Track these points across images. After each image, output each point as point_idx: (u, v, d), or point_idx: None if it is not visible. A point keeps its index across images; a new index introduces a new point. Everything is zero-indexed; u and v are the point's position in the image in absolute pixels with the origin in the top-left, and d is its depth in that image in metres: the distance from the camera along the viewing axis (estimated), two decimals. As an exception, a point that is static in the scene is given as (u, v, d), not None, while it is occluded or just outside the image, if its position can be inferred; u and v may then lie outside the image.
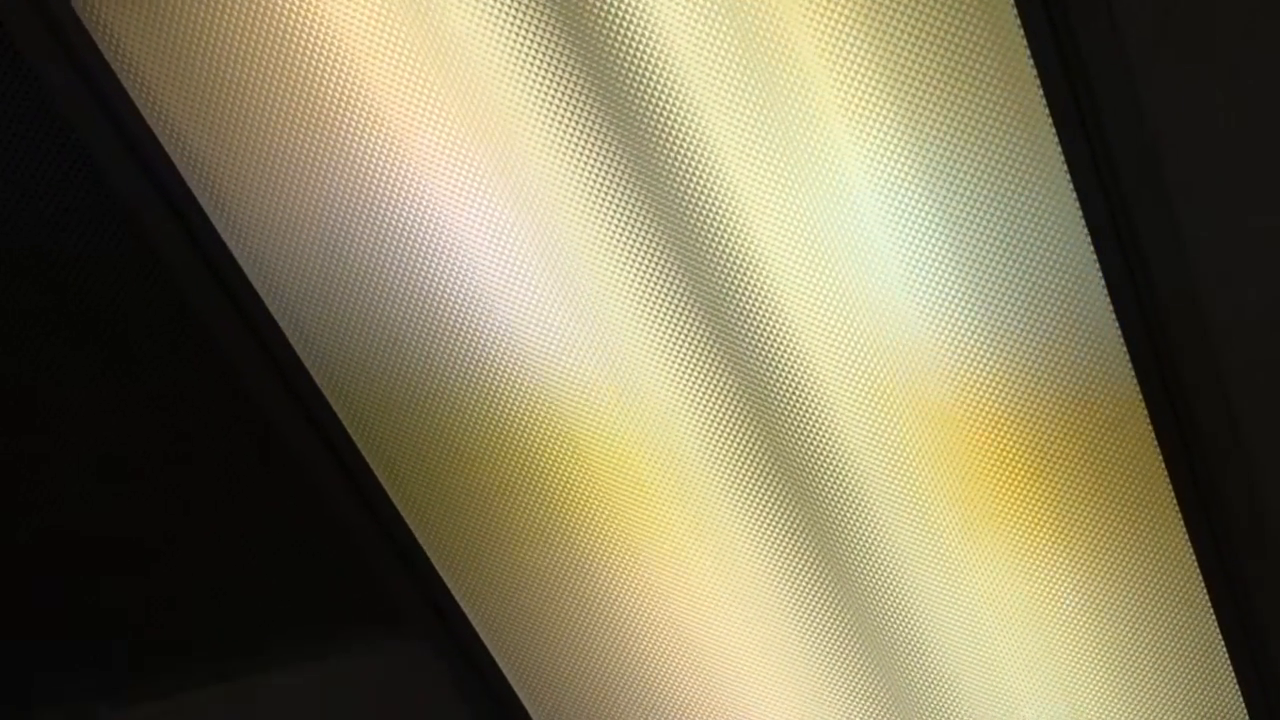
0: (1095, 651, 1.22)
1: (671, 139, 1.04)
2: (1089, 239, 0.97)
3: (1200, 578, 1.14)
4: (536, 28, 1.02)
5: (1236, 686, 1.18)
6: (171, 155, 1.17)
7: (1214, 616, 1.15)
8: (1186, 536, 1.11)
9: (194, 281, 1.19)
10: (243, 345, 1.24)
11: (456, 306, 1.20)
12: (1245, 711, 1.20)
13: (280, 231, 1.19)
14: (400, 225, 1.17)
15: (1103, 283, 0.99)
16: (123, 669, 1.53)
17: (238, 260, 1.21)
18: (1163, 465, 1.08)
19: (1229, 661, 1.17)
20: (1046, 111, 0.93)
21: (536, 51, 1.03)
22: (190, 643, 1.51)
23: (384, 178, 1.14)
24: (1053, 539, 1.16)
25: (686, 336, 1.15)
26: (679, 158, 1.05)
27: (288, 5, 1.07)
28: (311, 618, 1.45)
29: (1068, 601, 1.19)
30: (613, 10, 1.00)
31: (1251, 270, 1.00)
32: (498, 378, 1.23)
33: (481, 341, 1.21)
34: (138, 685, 1.54)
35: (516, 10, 1.02)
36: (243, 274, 1.22)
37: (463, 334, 1.21)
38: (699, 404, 1.18)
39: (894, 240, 1.03)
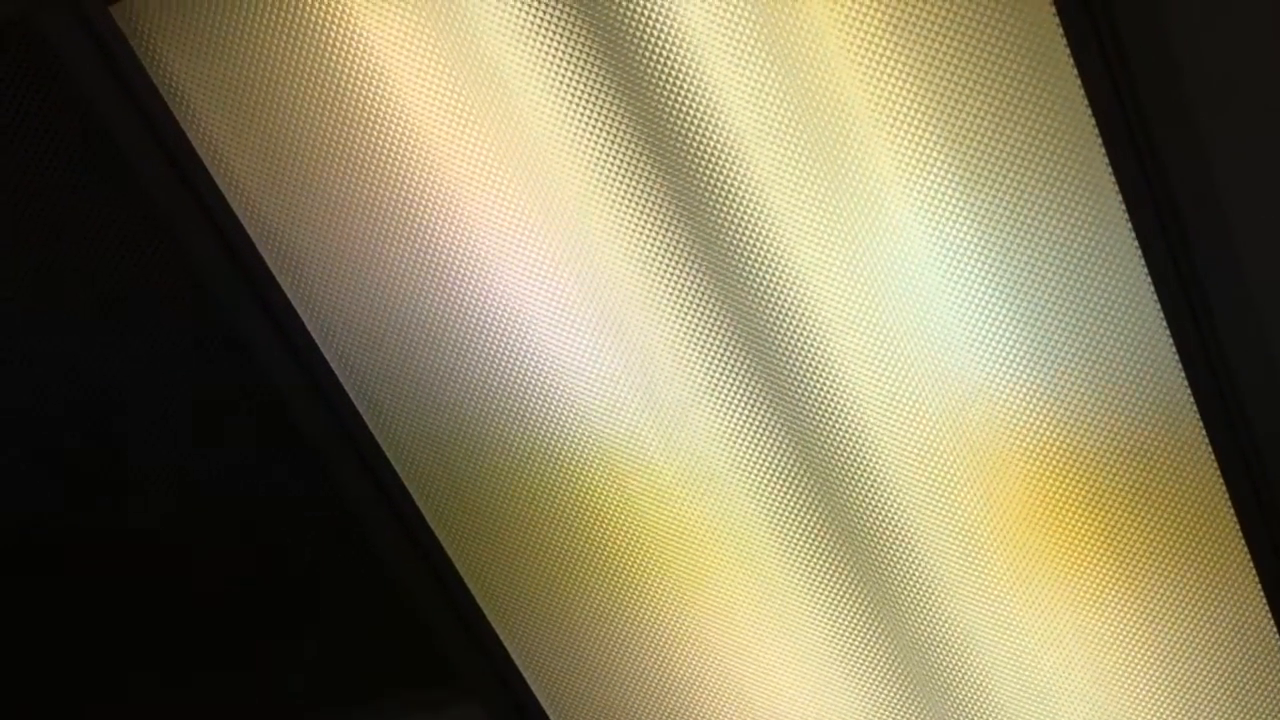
0: (1158, 701, 1.17)
1: (726, 195, 1.02)
2: (1150, 282, 0.93)
3: (1272, 621, 1.09)
4: (579, 61, 1.01)
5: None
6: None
7: None
8: (1261, 592, 1.07)
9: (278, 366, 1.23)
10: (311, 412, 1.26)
11: (511, 364, 1.19)
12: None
13: (338, 282, 1.21)
14: (461, 289, 1.16)
15: (1165, 325, 0.95)
16: None
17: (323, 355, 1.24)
18: (1231, 512, 1.03)
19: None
20: (1102, 148, 0.89)
21: (586, 96, 1.02)
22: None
23: (443, 244, 1.15)
24: (1113, 589, 1.11)
25: (741, 391, 1.13)
26: (732, 211, 1.03)
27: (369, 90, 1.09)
28: (372, 679, 1.47)
29: (1128, 646, 1.14)
30: (659, 53, 0.98)
31: None
32: (556, 440, 1.22)
33: (539, 404, 1.21)
34: None
35: (565, 52, 1.01)
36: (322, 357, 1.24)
37: (521, 394, 1.20)
38: (754, 464, 1.17)
39: (950, 285, 1.00)
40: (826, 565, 1.21)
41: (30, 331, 1.30)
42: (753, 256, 1.05)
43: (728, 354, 1.11)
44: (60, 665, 1.54)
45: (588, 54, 1.01)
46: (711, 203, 1.04)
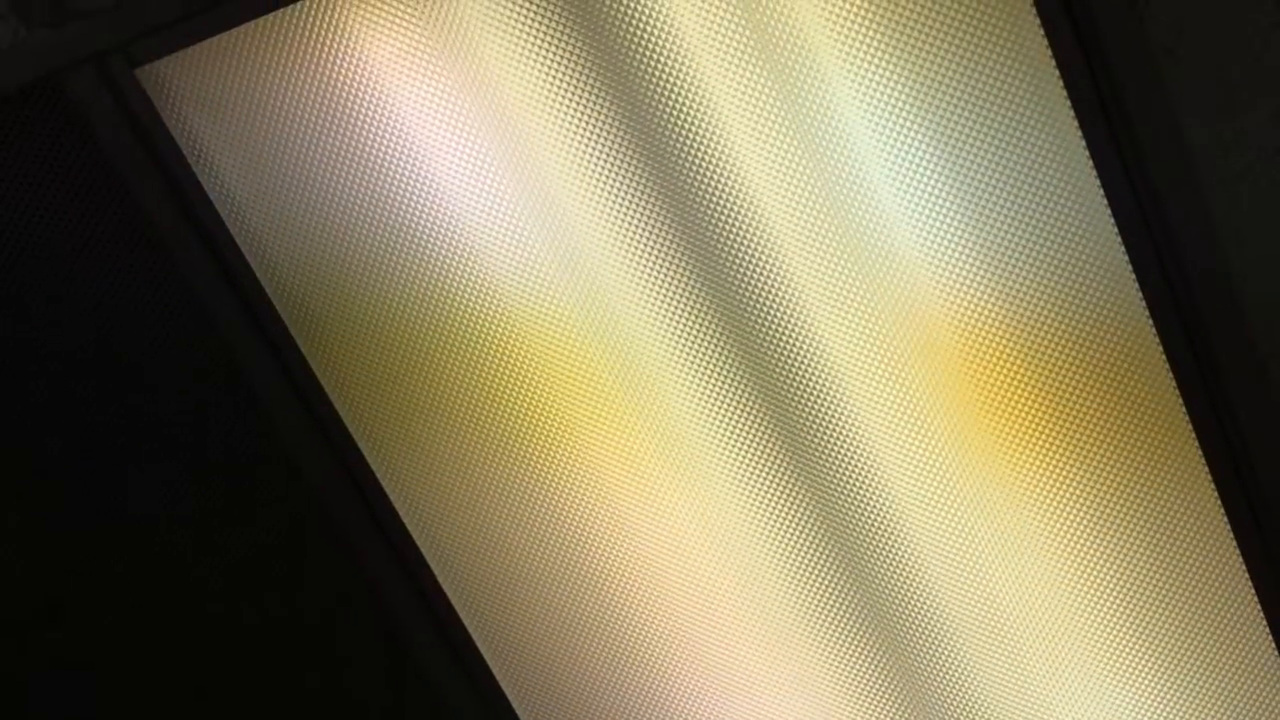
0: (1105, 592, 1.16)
1: (693, 145, 1.05)
2: (1096, 176, 0.97)
3: (1217, 497, 1.10)
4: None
5: (1266, 626, 1.15)
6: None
7: (1237, 549, 1.12)
8: (1207, 471, 1.09)
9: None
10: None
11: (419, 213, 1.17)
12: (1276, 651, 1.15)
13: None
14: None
15: (1106, 204, 0.99)
16: None
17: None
18: (1178, 395, 1.06)
19: (1258, 604, 1.14)
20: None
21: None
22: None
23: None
24: (1068, 476, 1.12)
25: (667, 258, 1.12)
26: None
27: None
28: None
29: (1076, 535, 1.14)
30: None
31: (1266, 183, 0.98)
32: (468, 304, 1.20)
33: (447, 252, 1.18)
34: None
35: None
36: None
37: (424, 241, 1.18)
38: (680, 335, 1.15)
39: (898, 179, 1.02)
40: (757, 451, 1.20)
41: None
42: (690, 136, 1.06)
43: (656, 226, 1.12)
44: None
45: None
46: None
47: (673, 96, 1.04)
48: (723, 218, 1.08)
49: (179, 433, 1.28)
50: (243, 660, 1.41)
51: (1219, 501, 1.08)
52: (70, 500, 1.33)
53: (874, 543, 1.19)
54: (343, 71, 1.10)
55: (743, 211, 1.07)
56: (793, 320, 1.11)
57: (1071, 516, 1.13)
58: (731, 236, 1.09)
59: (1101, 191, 0.97)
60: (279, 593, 1.36)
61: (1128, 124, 0.94)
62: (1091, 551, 1.14)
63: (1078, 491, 1.12)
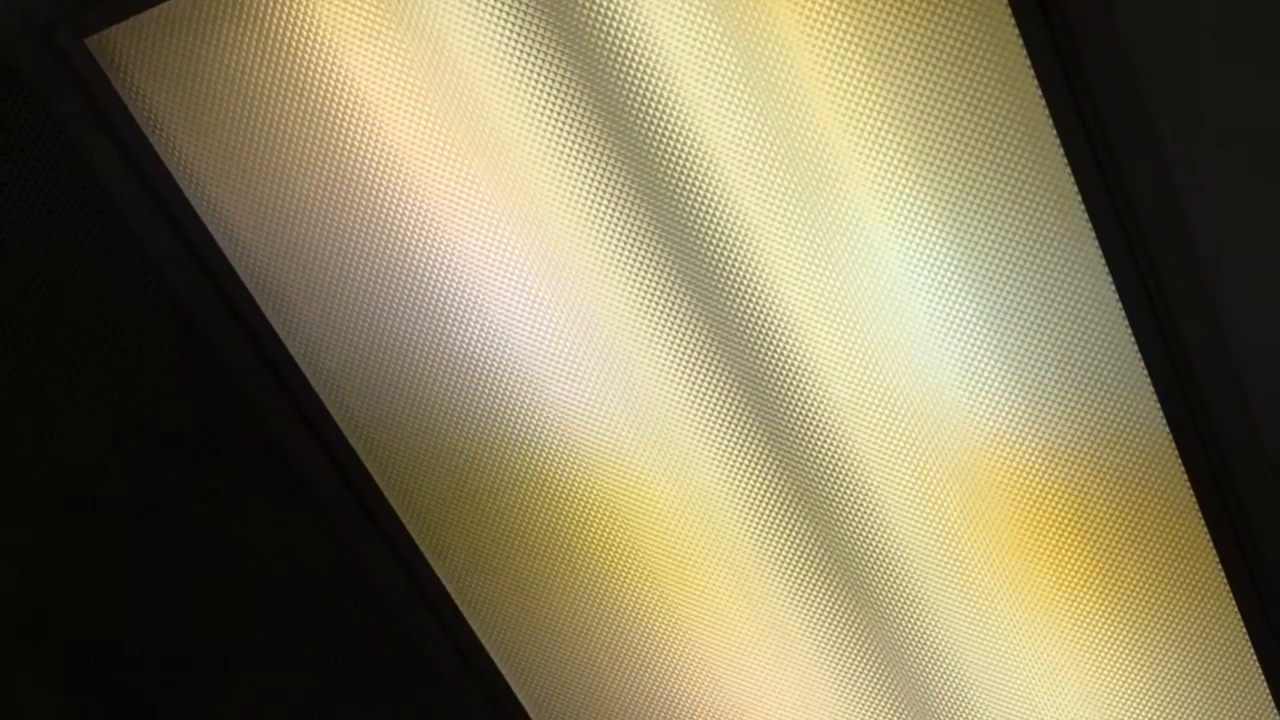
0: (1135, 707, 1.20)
1: (707, 219, 1.04)
2: (1122, 311, 0.95)
3: (1245, 633, 1.11)
4: (552, 73, 1.02)
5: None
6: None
7: (1259, 668, 1.13)
8: (1229, 590, 1.09)
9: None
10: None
11: (492, 374, 1.20)
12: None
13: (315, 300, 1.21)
14: (442, 303, 1.17)
15: (1136, 348, 0.97)
16: None
17: (297, 363, 1.24)
18: (1202, 521, 1.05)
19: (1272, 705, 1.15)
20: (1070, 174, 0.91)
21: (557, 104, 1.03)
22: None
23: (420, 247, 1.15)
24: (1094, 600, 1.13)
25: (722, 400, 1.14)
26: (708, 219, 1.04)
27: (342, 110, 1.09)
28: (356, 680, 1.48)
29: (1106, 656, 1.16)
30: (630, 60, 0.99)
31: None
32: (536, 447, 1.23)
33: (520, 412, 1.22)
34: None
35: (536, 63, 1.02)
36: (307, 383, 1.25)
37: (501, 402, 1.22)
38: (737, 474, 1.18)
39: (929, 308, 1.02)
40: (809, 574, 1.22)
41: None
42: (730, 266, 1.06)
43: (709, 366, 1.13)
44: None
45: (564, 68, 1.01)
46: (691, 214, 1.05)
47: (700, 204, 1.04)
48: (763, 340, 1.09)
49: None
50: None
51: (1239, 618, 1.09)
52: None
53: (918, 652, 1.23)
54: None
55: (782, 334, 1.08)
56: (826, 428, 1.12)
57: (1096, 630, 1.15)
58: (771, 359, 1.09)
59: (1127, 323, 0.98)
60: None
61: (1153, 268, 0.93)
62: (1114, 659, 1.16)
63: (1101, 604, 1.13)
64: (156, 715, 1.47)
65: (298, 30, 1.07)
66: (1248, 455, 1.00)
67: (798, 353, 1.08)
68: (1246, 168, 0.91)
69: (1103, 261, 0.94)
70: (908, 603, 1.19)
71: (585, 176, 1.05)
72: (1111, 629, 1.14)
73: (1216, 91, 0.88)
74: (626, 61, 0.99)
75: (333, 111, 1.11)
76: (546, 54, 1.01)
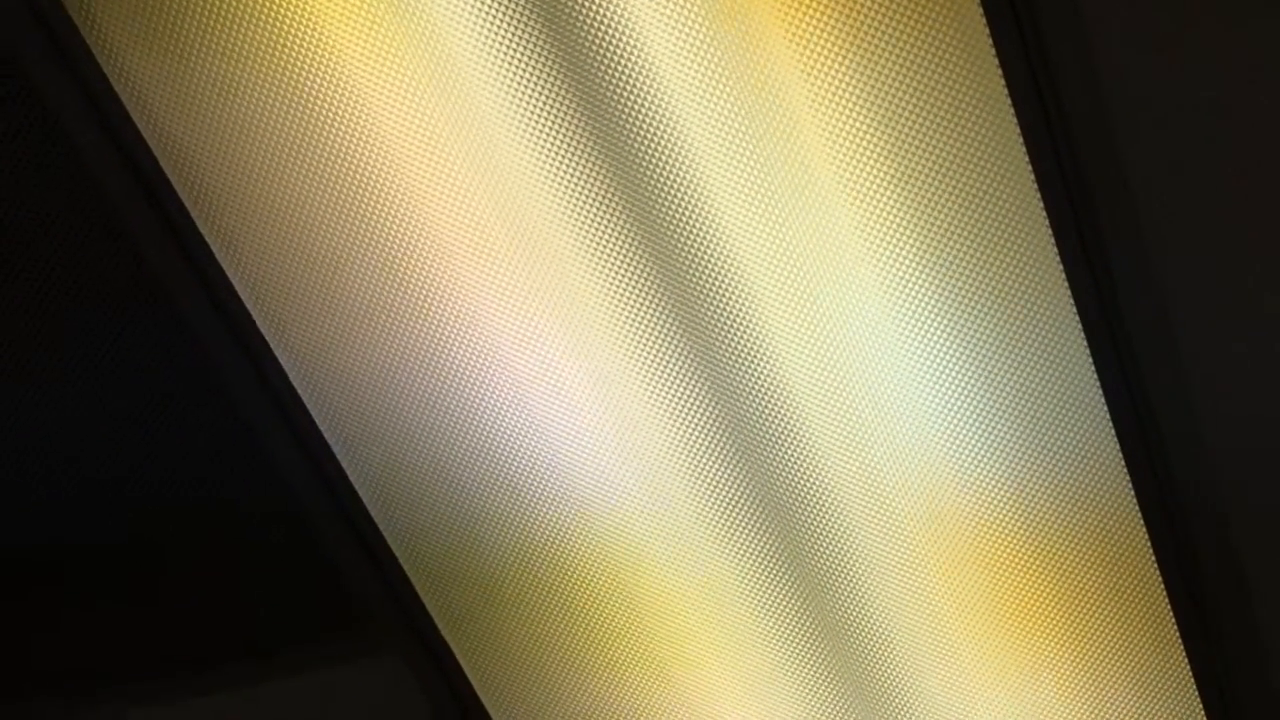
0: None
1: (710, 280, 1.04)
2: (1099, 384, 0.96)
3: (1197, 693, 1.12)
4: (552, 90, 1.00)
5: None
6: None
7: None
8: (1188, 667, 1.11)
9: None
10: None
11: (479, 385, 1.19)
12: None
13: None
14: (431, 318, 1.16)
15: (1112, 427, 0.99)
16: (121, 679, 1.57)
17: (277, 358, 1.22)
18: (1166, 601, 1.07)
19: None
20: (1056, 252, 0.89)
21: (552, 119, 1.01)
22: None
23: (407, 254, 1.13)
24: (1055, 661, 1.15)
25: (710, 448, 1.14)
26: (711, 281, 1.04)
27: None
28: (294, 633, 1.48)
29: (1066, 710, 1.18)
30: (643, 121, 0.97)
31: (1256, 402, 0.98)
32: (517, 460, 1.22)
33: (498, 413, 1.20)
34: (135, 691, 1.58)
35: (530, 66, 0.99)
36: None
37: (477, 396, 1.20)
38: (723, 527, 1.18)
39: (911, 377, 1.03)
40: (782, 610, 1.22)
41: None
42: (713, 290, 1.05)
43: (698, 406, 1.12)
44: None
45: (560, 81, 0.99)
46: (690, 270, 1.04)
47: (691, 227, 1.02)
48: (743, 365, 1.08)
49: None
50: None
51: (1191, 678, 1.11)
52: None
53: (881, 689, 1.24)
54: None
55: (762, 361, 1.07)
56: (810, 469, 1.12)
57: (1052, 677, 1.16)
58: (751, 387, 1.09)
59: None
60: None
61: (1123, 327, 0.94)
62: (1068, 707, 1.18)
63: (1057, 651, 1.14)
64: None
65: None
66: (1207, 517, 1.02)
67: (778, 386, 1.08)
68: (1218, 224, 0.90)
69: (1080, 328, 0.94)
70: (871, 638, 1.20)
71: (572, 179, 1.04)
72: (1064, 671, 1.15)
73: (1199, 157, 0.87)
74: (628, 95, 0.97)
75: (317, 84, 1.08)
76: (529, 35, 0.98)
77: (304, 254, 1.16)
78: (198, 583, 1.47)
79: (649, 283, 1.06)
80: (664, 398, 1.11)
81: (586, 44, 0.96)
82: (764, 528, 1.17)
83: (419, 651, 1.39)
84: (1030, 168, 0.87)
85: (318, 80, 1.06)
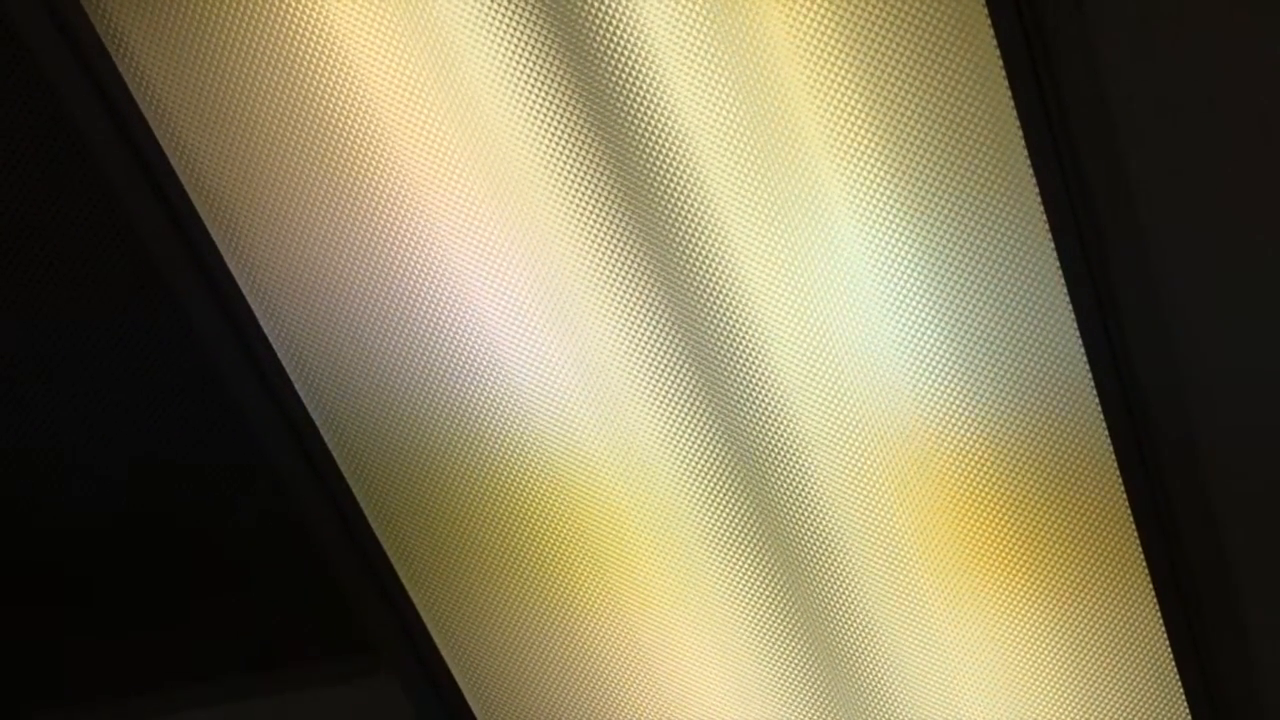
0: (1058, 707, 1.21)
1: (679, 205, 1.05)
2: (1071, 309, 0.99)
3: (1165, 636, 1.14)
4: (542, 62, 1.02)
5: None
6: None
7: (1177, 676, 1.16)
8: (1154, 598, 1.12)
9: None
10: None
11: (452, 347, 1.20)
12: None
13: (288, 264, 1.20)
14: (411, 275, 1.17)
15: (1081, 344, 1.00)
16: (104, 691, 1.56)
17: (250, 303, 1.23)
18: (1135, 532, 1.09)
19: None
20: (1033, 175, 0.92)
21: (548, 97, 1.03)
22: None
23: (395, 226, 1.15)
24: (1019, 588, 1.16)
25: (680, 393, 1.15)
26: (682, 215, 1.06)
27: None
28: (289, 647, 1.48)
29: (1030, 641, 1.20)
30: (621, 59, 1.00)
31: (1230, 332, 1.00)
32: (491, 425, 1.23)
33: (477, 388, 1.21)
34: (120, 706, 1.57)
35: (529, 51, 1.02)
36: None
37: (459, 377, 1.21)
38: (686, 457, 1.19)
39: (884, 299, 1.04)
40: (751, 559, 1.23)
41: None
42: (697, 257, 1.07)
43: (667, 348, 1.13)
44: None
45: (552, 57, 1.02)
46: (664, 211, 1.06)
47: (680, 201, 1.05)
48: (715, 306, 1.10)
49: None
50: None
51: (1160, 619, 1.13)
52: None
53: (845, 629, 1.25)
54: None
55: (735, 305, 1.09)
56: (771, 401, 1.13)
57: (1019, 618, 1.18)
58: (722, 326, 1.10)
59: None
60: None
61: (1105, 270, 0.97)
62: (1034, 646, 1.19)
63: (1026, 593, 1.16)
64: None
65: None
66: (1180, 452, 1.03)
67: (748, 323, 1.09)
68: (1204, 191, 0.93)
69: (1058, 265, 0.97)
70: (837, 578, 1.21)
71: (561, 153, 1.06)
72: (1035, 617, 1.17)
73: (1197, 138, 0.91)
74: (632, 92, 1.00)
75: (321, 73, 1.10)
76: (532, 31, 1.01)
77: (306, 248, 1.19)
78: (195, 595, 1.47)
79: (625, 230, 1.08)
80: (633, 338, 1.13)
81: (590, 38, 1.00)
82: (733, 477, 1.18)
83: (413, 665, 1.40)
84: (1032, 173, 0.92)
85: (325, 76, 1.08)
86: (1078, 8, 0.88)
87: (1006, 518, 1.11)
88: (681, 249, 1.07)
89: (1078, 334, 1.00)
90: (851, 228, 1.01)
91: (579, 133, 1.04)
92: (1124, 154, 0.93)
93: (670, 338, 1.12)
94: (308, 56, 1.08)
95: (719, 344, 1.11)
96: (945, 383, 1.06)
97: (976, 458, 1.09)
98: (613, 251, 1.09)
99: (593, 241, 1.09)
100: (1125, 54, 0.89)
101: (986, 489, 1.10)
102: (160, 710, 1.54)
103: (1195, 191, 0.94)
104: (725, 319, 1.09)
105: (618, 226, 1.08)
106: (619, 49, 0.99)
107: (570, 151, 1.05)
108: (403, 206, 1.13)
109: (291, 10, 1.06)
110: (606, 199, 1.07)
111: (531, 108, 1.04)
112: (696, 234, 1.06)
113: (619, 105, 1.02)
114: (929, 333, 1.04)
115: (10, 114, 1.18)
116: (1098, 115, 0.91)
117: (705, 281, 1.08)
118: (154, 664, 1.55)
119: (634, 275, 1.10)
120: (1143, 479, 1.03)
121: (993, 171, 0.95)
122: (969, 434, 1.08)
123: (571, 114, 1.03)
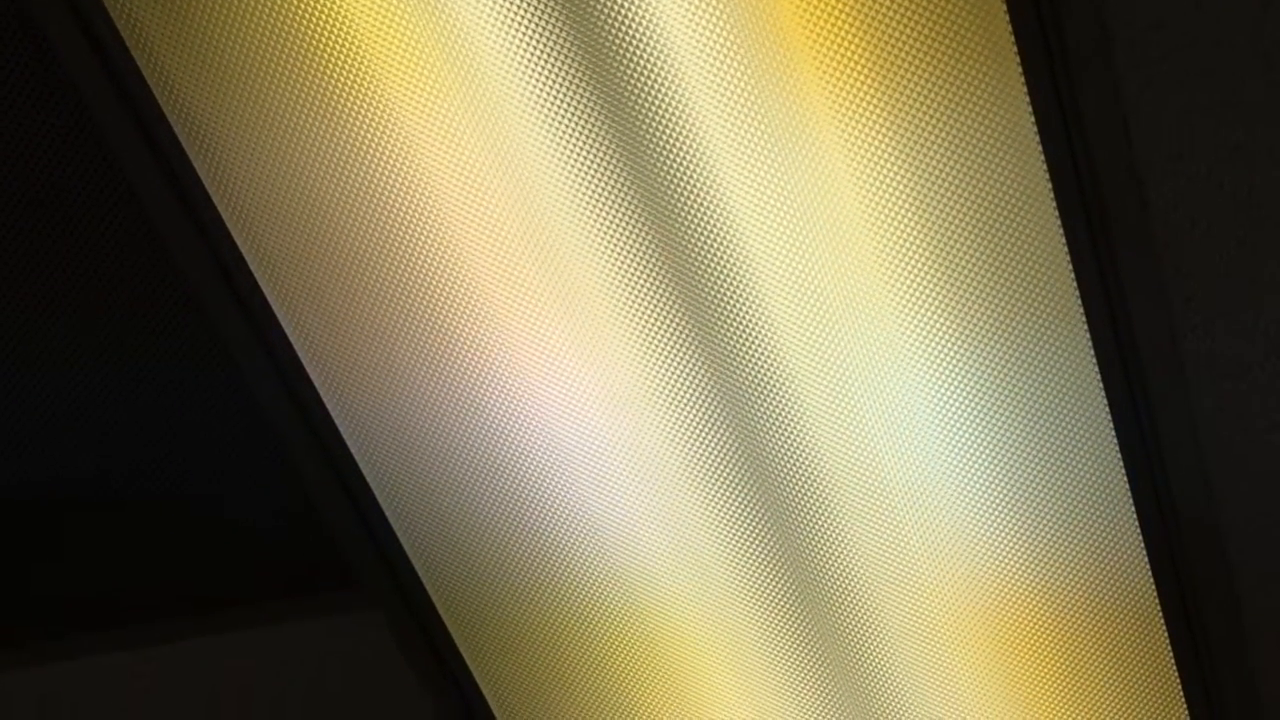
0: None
1: (731, 303, 1.02)
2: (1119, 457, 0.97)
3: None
4: (574, 90, 0.97)
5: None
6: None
7: None
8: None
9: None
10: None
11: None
12: None
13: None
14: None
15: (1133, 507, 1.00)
16: (83, 623, 1.55)
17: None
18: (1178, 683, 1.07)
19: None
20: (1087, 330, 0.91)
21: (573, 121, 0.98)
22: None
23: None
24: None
25: (744, 518, 1.14)
26: (736, 318, 1.03)
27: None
28: (274, 581, 1.46)
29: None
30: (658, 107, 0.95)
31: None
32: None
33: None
34: (97, 637, 1.56)
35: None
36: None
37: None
38: (747, 577, 1.17)
39: (938, 451, 1.03)
40: (799, 654, 1.21)
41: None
42: (760, 385, 1.06)
43: (728, 469, 1.12)
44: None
45: (583, 82, 0.97)
46: (716, 304, 1.03)
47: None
48: (763, 398, 1.07)
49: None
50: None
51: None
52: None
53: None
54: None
55: (790, 416, 1.07)
56: (805, 453, 1.10)
57: None
58: (776, 433, 1.08)
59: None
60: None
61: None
62: None
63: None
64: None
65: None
66: (1220, 596, 1.01)
67: (803, 438, 1.08)
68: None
69: (1107, 408, 0.95)
70: (888, 698, 1.20)
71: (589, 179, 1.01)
72: None
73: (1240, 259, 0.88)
74: (652, 103, 0.96)
75: (340, 77, 1.05)
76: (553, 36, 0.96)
77: (325, 248, 1.13)
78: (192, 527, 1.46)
79: (670, 299, 1.05)
80: (680, 423, 1.10)
81: (610, 45, 0.95)
82: (781, 571, 1.16)
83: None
84: (1054, 201, 0.86)
85: (340, 73, 1.03)
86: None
87: (1045, 644, 1.10)
88: (727, 334, 1.04)
89: (1119, 458, 0.97)
90: (909, 371, 0.99)
91: (628, 205, 1.01)
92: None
93: (734, 461, 1.10)
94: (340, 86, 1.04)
95: (780, 470, 1.09)
96: (996, 530, 1.04)
97: (1022, 600, 1.08)
98: (664, 336, 1.07)
99: (647, 327, 1.07)
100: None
101: (1030, 630, 1.09)
102: (158, 639, 1.53)
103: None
104: (786, 448, 1.08)
105: (669, 305, 1.05)
106: (661, 106, 0.96)
107: (614, 214, 1.02)
108: (445, 267, 1.10)
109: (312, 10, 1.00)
110: (655, 269, 1.03)
111: (570, 153, 1.00)
112: (743, 318, 1.03)
113: (665, 170, 0.98)
114: (982, 481, 1.02)
115: (34, 115, 1.16)
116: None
117: (750, 363, 1.05)
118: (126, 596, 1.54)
119: (680, 353, 1.07)
120: (1185, 626, 1.02)
121: (1045, 326, 0.92)
122: (1016, 578, 1.07)
123: (618, 176, 1.00)
